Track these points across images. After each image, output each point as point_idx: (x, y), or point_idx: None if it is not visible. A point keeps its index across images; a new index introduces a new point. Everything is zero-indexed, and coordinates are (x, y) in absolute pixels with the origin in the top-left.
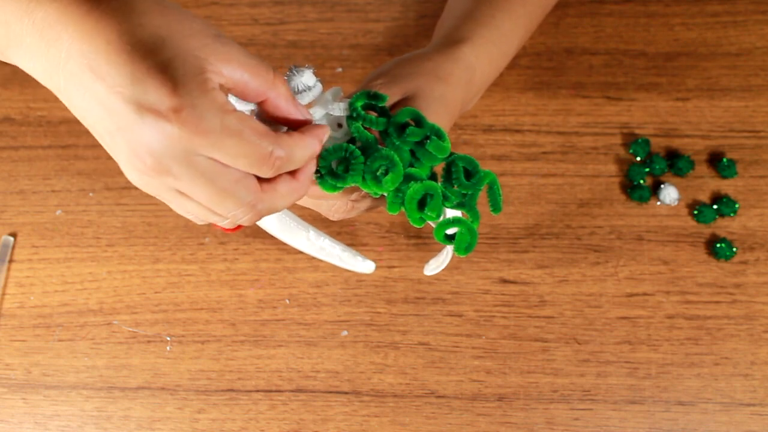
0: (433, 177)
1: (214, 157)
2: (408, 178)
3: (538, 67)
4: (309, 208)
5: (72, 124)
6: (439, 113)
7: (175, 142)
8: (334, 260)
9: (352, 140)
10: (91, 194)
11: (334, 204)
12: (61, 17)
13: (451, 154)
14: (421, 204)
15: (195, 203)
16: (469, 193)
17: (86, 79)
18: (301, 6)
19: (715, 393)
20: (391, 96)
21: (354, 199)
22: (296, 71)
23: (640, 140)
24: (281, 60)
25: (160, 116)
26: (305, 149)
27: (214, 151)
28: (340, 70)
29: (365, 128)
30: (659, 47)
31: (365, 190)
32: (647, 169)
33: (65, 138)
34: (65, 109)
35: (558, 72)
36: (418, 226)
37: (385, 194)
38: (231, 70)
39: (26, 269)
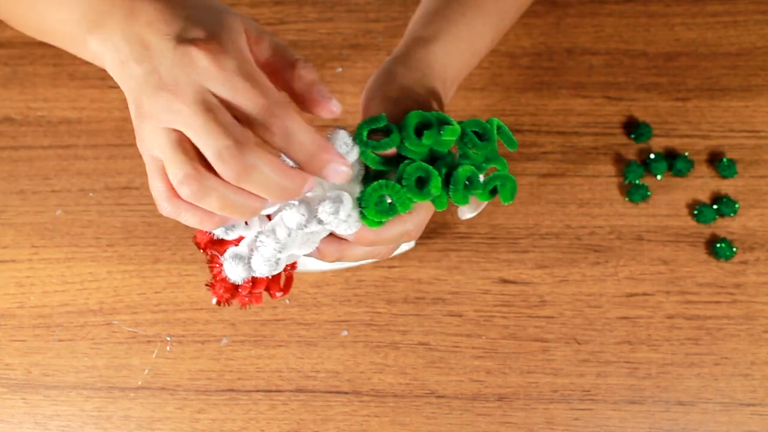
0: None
1: (222, 95)
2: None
3: (538, 67)
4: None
5: (72, 124)
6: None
7: (197, 68)
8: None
9: (367, 169)
10: (91, 194)
11: (381, 249)
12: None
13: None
14: (465, 187)
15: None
16: (489, 149)
17: (146, 34)
18: (301, 6)
19: (715, 393)
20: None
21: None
22: (330, 135)
23: (641, 125)
24: None
25: (192, 43)
26: (303, 133)
27: (224, 87)
28: (340, 70)
29: (376, 153)
30: (659, 47)
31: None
32: (644, 168)
33: (65, 138)
34: (65, 109)
35: (558, 72)
36: (465, 204)
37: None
38: (260, 43)
39: (26, 269)
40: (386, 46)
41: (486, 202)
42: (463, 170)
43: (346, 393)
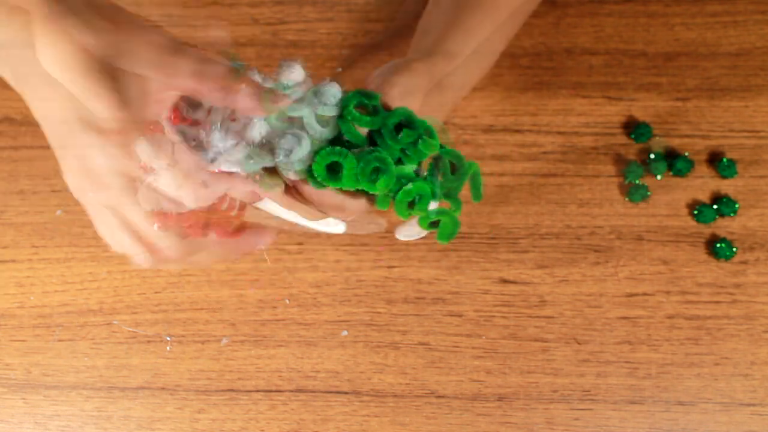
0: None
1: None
2: (398, 178)
3: (538, 67)
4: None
5: None
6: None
7: (116, 161)
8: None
9: (338, 137)
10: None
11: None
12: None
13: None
14: (410, 202)
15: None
16: (454, 185)
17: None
18: (301, 6)
19: (715, 393)
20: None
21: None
22: (285, 65)
23: (641, 125)
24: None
25: (103, 135)
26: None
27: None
28: (340, 70)
29: (356, 127)
30: (659, 47)
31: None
32: (644, 168)
33: None
34: None
35: (558, 72)
36: (405, 219)
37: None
38: (180, 82)
39: (26, 269)
40: (386, 46)
41: (423, 234)
42: (418, 186)
43: (346, 393)
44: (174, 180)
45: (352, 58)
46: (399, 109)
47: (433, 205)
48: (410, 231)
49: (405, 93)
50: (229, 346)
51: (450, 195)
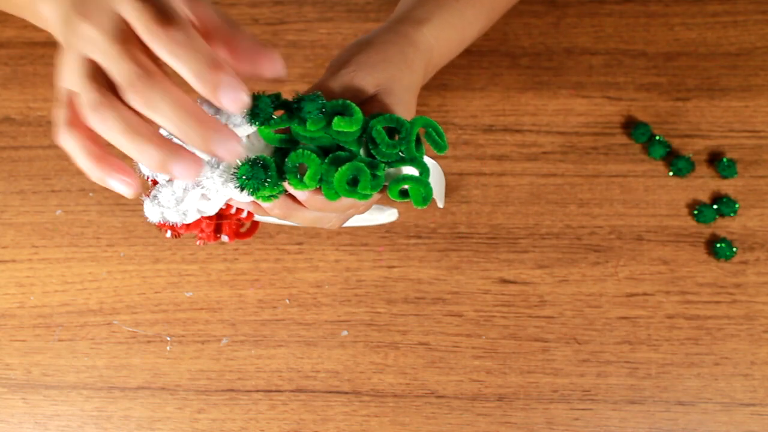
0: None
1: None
2: (337, 162)
3: (538, 67)
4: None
5: None
6: (409, 102)
7: None
8: (359, 222)
9: (329, 147)
10: (91, 194)
11: (331, 217)
12: None
13: (371, 118)
14: (355, 183)
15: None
16: (403, 147)
17: None
18: (301, 6)
19: (715, 393)
20: (365, 87)
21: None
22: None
23: (641, 125)
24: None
25: None
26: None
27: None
28: None
29: (277, 131)
30: (659, 47)
31: (296, 189)
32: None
33: None
34: None
35: (558, 72)
36: (361, 199)
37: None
38: None
39: (26, 269)
40: None
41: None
42: (346, 168)
43: (346, 393)
44: (174, 195)
45: None
46: (308, 100)
47: (405, 170)
48: (377, 214)
49: (362, 70)
50: (229, 346)
51: (407, 159)
